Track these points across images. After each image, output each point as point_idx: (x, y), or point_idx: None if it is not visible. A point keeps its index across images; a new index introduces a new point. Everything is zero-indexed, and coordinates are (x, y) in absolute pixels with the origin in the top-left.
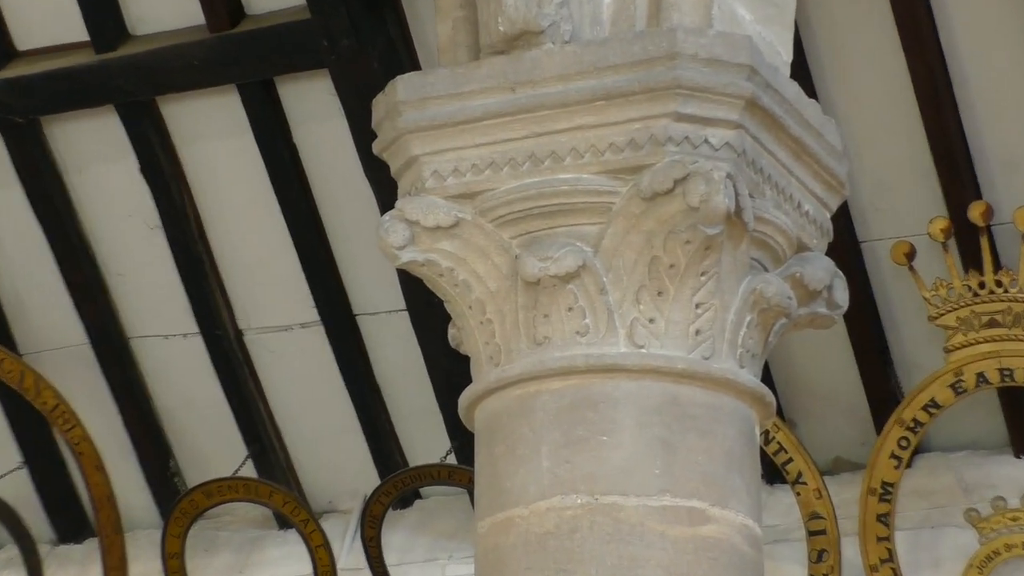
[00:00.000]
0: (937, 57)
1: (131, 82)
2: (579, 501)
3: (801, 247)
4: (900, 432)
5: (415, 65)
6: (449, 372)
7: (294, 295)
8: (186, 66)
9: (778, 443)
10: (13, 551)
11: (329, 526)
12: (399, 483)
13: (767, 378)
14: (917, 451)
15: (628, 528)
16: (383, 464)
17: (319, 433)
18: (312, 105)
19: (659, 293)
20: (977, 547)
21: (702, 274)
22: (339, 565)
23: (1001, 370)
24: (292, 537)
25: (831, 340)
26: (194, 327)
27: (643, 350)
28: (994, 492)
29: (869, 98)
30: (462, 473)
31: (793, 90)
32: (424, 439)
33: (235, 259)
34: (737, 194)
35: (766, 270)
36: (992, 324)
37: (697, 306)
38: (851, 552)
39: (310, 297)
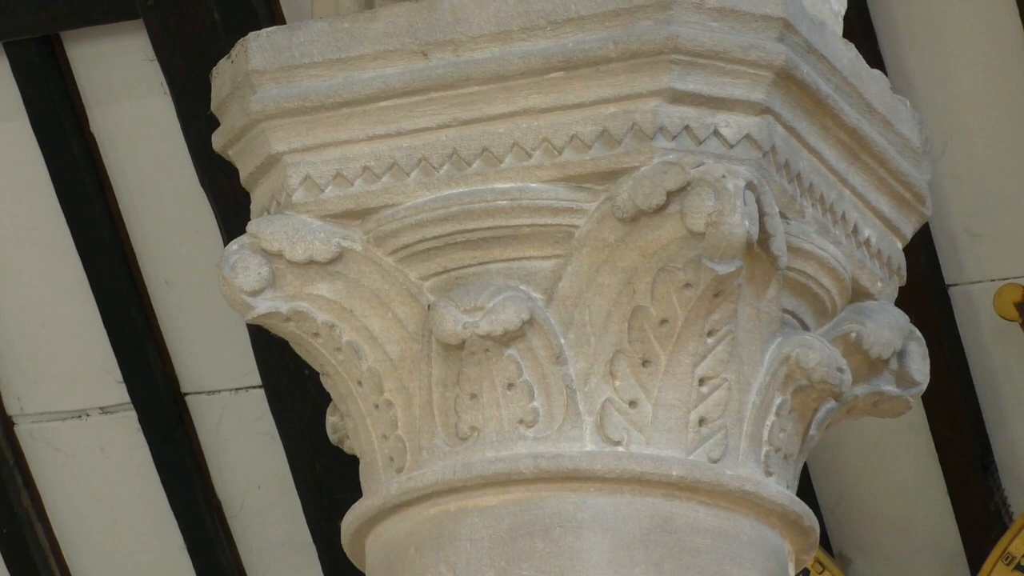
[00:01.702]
0: None
1: None
2: None
3: (859, 293)
4: (1007, 573)
5: (276, 17)
6: (325, 481)
7: (92, 365)
8: None
9: None
10: None
11: None
12: None
13: (807, 492)
14: None
15: None
16: None
17: (130, 574)
18: (118, 75)
19: (644, 362)
20: None
21: (709, 333)
22: None
23: None
24: None
25: (904, 435)
26: None
27: (620, 448)
28: None
29: (964, 70)
30: None
31: (848, 57)
32: None
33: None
34: (763, 214)
35: (806, 328)
36: None
37: (701, 382)
38: None
39: (116, 368)
